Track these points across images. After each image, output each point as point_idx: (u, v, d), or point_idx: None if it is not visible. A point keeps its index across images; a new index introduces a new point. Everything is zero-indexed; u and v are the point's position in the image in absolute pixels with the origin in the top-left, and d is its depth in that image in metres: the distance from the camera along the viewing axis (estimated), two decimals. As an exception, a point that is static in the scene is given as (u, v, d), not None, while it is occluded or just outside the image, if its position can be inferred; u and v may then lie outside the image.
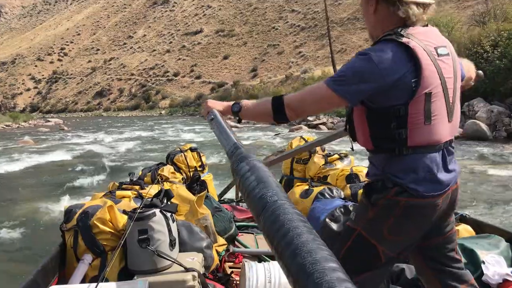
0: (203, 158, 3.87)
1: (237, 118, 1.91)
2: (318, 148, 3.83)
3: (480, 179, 7.88)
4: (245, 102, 1.86)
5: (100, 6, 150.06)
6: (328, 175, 3.67)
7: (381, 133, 1.63)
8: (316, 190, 3.31)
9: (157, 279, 2.28)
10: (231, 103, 1.89)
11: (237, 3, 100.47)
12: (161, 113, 68.86)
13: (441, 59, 1.61)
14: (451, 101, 1.64)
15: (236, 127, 24.21)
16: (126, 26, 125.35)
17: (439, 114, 1.60)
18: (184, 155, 3.74)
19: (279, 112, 1.71)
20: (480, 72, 2.11)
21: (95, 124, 40.93)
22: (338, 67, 33.32)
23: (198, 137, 19.63)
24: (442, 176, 1.63)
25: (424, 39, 1.60)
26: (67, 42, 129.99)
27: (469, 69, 1.97)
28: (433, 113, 1.58)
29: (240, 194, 4.02)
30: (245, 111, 1.84)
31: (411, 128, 1.57)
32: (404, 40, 1.55)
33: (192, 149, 3.84)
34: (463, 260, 2.15)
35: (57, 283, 2.34)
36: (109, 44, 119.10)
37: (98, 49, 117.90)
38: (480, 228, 2.73)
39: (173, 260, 2.35)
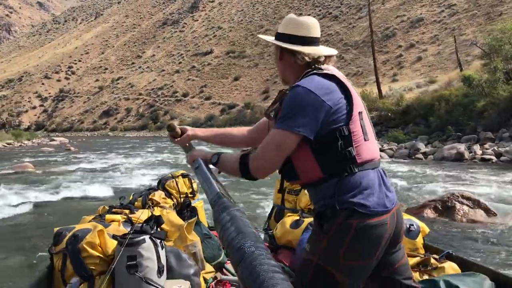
0: (194, 185, 3.92)
1: (216, 168, 2.00)
2: None
3: None
4: (223, 156, 1.96)
5: (110, 26, 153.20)
6: None
7: (331, 157, 1.73)
8: (307, 221, 3.41)
9: (144, 306, 2.27)
10: (212, 153, 2.01)
11: (248, 25, 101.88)
12: (169, 134, 69.21)
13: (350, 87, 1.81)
14: (370, 122, 1.85)
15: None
16: (135, 45, 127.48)
17: (370, 132, 1.81)
18: (176, 181, 3.81)
19: (244, 171, 1.81)
20: None
21: (103, 145, 40.37)
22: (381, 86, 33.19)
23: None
24: (386, 192, 1.76)
25: (336, 72, 1.82)
26: (75, 60, 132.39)
27: None
28: (367, 131, 1.78)
29: None
30: (221, 164, 1.96)
31: (356, 146, 1.72)
32: (325, 71, 1.77)
33: (183, 175, 3.90)
34: None
35: None
36: (117, 63, 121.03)
37: (106, 68, 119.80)
38: (466, 266, 2.81)
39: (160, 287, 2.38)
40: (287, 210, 3.90)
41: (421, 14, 60.61)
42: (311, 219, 3.38)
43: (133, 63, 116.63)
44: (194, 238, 2.90)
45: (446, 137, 19.76)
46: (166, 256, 2.55)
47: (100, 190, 11.48)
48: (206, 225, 3.71)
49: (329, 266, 1.70)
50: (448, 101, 21.81)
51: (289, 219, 3.61)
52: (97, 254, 2.48)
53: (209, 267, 2.99)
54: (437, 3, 61.57)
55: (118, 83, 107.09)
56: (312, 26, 1.91)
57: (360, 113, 1.76)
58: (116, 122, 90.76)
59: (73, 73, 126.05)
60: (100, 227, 2.56)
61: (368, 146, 1.76)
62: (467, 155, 16.34)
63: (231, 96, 76.16)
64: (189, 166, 2.02)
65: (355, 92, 1.79)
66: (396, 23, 62.63)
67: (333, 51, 1.93)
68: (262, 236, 3.87)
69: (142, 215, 2.90)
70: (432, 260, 2.79)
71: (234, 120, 58.00)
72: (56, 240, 2.60)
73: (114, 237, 2.55)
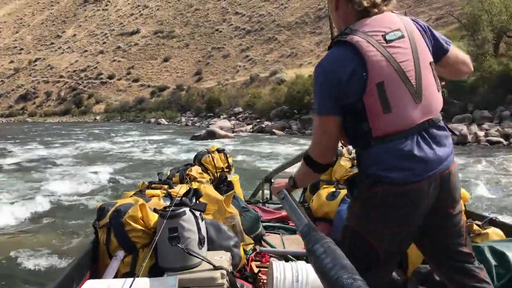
0: (230, 159, 4.09)
1: (297, 187, 2.13)
2: (344, 151, 4.01)
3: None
4: (295, 174, 2.06)
5: (24, 3, 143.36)
6: None
7: (350, 131, 1.76)
8: (343, 192, 3.48)
9: (187, 276, 2.42)
10: (287, 179, 2.11)
11: (177, 4, 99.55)
12: (95, 118, 66.80)
13: (392, 44, 1.70)
14: (413, 83, 1.71)
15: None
16: (53, 24, 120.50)
17: (399, 100, 1.68)
18: (212, 156, 3.97)
19: (315, 166, 1.87)
20: None
21: (22, 132, 38.19)
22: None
23: (164, 148, 18.32)
24: (419, 161, 1.67)
25: (371, 30, 1.71)
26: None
27: (460, 57, 2.00)
28: (391, 101, 1.67)
29: (266, 197, 4.36)
30: (298, 181, 2.06)
31: (372, 120, 1.68)
32: (348, 38, 1.69)
33: (219, 150, 4.08)
34: (494, 262, 2.29)
35: (90, 278, 2.49)
36: (35, 43, 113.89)
37: (21, 49, 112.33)
38: (511, 231, 2.77)
39: (202, 258, 2.48)
40: (322, 182, 3.96)
41: (351, -5, 62.28)
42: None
43: (52, 43, 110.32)
44: (232, 210, 3.02)
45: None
46: (207, 229, 2.66)
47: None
48: (243, 199, 3.81)
49: (363, 232, 1.75)
50: None
51: (324, 191, 3.68)
52: (140, 227, 2.60)
53: (248, 239, 3.11)
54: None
55: (36, 65, 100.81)
56: None
57: (380, 83, 1.66)
58: (35, 107, 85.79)
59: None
60: (141, 201, 2.66)
61: (391, 118, 1.68)
62: (470, 137, 15.00)
63: (161, 78, 74.37)
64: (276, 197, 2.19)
65: (380, 58, 1.67)
66: (328, 4, 63.81)
67: None
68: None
69: (181, 189, 3.03)
70: (475, 227, 2.76)
71: (168, 102, 56.84)
72: (99, 214, 2.72)
73: (155, 210, 2.67)
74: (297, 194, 5.52)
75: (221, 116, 40.03)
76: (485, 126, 15.92)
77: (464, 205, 3.07)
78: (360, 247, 1.76)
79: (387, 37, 1.71)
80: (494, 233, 2.73)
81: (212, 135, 21.79)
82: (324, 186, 3.85)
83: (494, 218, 2.96)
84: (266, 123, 29.36)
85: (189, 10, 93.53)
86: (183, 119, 45.07)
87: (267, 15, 73.59)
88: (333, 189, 3.65)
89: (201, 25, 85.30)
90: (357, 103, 1.68)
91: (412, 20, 1.85)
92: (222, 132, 22.64)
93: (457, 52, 1.97)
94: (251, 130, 28.70)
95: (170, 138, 24.83)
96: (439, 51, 1.89)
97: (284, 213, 3.81)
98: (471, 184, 9.07)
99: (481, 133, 15.36)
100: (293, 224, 3.52)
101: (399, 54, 1.70)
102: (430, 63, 1.79)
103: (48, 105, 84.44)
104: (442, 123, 1.79)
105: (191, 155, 16.06)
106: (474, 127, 15.82)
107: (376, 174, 1.69)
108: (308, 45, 56.34)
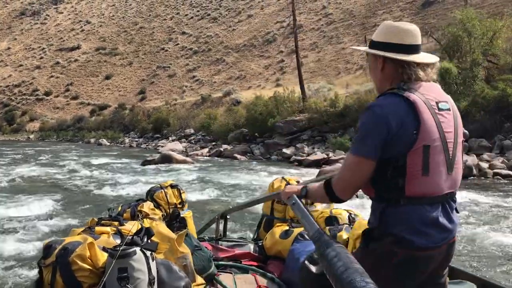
0: (183, 195, 4.10)
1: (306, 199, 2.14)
2: None
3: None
4: (310, 187, 2.08)
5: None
6: None
7: (381, 182, 1.82)
8: (296, 231, 3.55)
9: (136, 318, 2.40)
10: (301, 187, 2.12)
11: (121, 21, 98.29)
12: (29, 137, 63.76)
13: (441, 113, 1.83)
14: (450, 154, 1.83)
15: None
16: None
17: (437, 166, 1.79)
18: (165, 191, 3.96)
19: (332, 195, 1.91)
20: None
21: None
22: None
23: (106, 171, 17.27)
24: (440, 230, 1.80)
25: (426, 93, 1.83)
26: None
27: None
28: (431, 166, 1.77)
29: (220, 233, 4.31)
30: (310, 195, 2.09)
31: (409, 178, 1.76)
32: (405, 94, 1.78)
33: (172, 186, 4.08)
34: None
35: None
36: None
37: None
38: (453, 274, 2.87)
39: (151, 300, 2.50)
40: (276, 220, 4.04)
41: (299, 21, 63.46)
42: (300, 229, 3.52)
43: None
44: (184, 250, 3.03)
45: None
46: (157, 269, 2.67)
47: None
48: (196, 236, 3.85)
49: None
50: None
51: (278, 229, 3.75)
52: (88, 266, 2.56)
53: (199, 279, 3.10)
54: (315, 11, 65.14)
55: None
56: (416, 32, 1.92)
57: (426, 146, 1.75)
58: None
59: None
60: (90, 239, 2.66)
61: (427, 181, 1.77)
62: (474, 169, 13.68)
63: (102, 96, 72.51)
64: (285, 201, 2.23)
65: (432, 123, 1.77)
66: (276, 28, 64.93)
67: (434, 58, 1.94)
68: (252, 246, 3.90)
69: (132, 227, 3.00)
70: None
71: (110, 122, 55.04)
72: (46, 253, 2.67)
73: (104, 249, 2.64)
74: (251, 231, 5.18)
75: (170, 138, 38.54)
76: (485, 156, 14.70)
77: None
78: None
79: (439, 105, 1.83)
80: None
81: (167, 160, 19.47)
82: (278, 224, 3.93)
83: None
84: (224, 146, 27.13)
85: (133, 28, 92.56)
86: (127, 140, 43.21)
87: (215, 36, 73.89)
88: (287, 228, 3.72)
89: (146, 43, 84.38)
90: (400, 158, 1.75)
91: None
92: (180, 157, 20.71)
93: None
94: (207, 154, 26.44)
95: (116, 162, 22.67)
96: None
97: (237, 251, 3.78)
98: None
99: (484, 165, 14.10)
100: (246, 263, 3.59)
101: (446, 124, 1.83)
102: (462, 141, 1.93)
103: (-23, 121, 79.93)
104: (456, 197, 1.92)
105: (144, 185, 14.56)
106: (474, 158, 14.38)
107: (400, 235, 1.75)
108: (256, 67, 56.75)
